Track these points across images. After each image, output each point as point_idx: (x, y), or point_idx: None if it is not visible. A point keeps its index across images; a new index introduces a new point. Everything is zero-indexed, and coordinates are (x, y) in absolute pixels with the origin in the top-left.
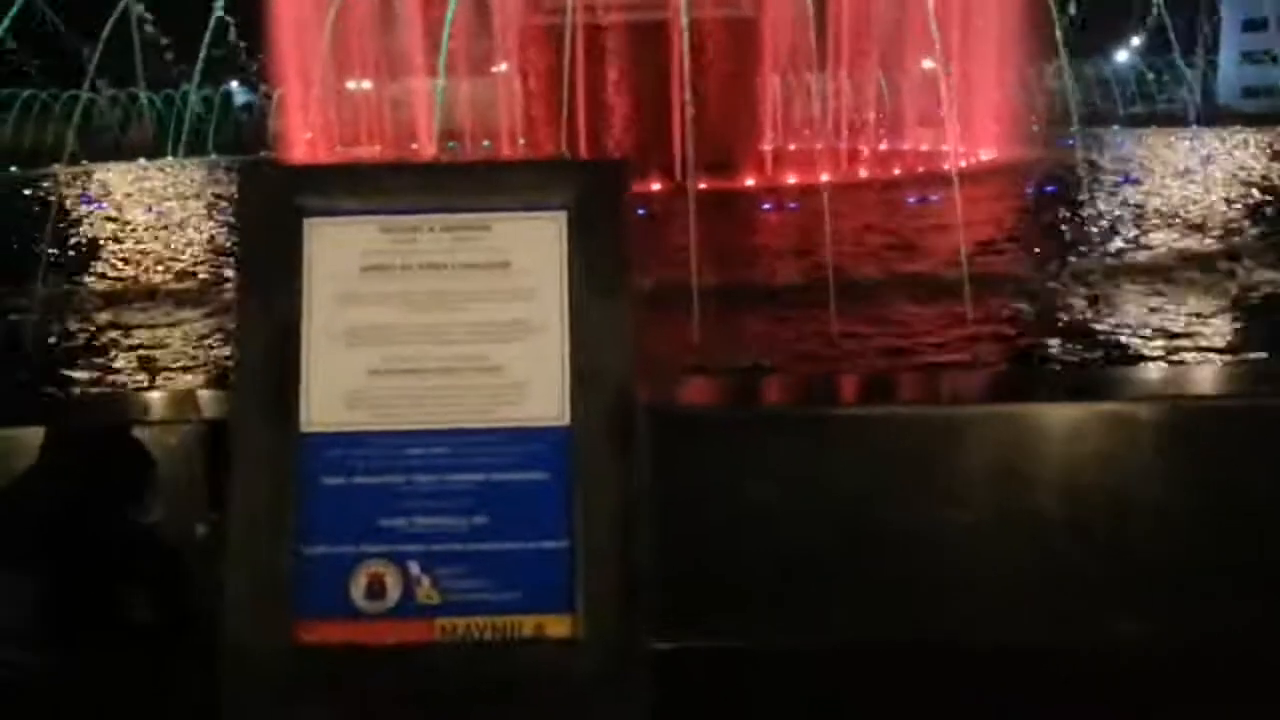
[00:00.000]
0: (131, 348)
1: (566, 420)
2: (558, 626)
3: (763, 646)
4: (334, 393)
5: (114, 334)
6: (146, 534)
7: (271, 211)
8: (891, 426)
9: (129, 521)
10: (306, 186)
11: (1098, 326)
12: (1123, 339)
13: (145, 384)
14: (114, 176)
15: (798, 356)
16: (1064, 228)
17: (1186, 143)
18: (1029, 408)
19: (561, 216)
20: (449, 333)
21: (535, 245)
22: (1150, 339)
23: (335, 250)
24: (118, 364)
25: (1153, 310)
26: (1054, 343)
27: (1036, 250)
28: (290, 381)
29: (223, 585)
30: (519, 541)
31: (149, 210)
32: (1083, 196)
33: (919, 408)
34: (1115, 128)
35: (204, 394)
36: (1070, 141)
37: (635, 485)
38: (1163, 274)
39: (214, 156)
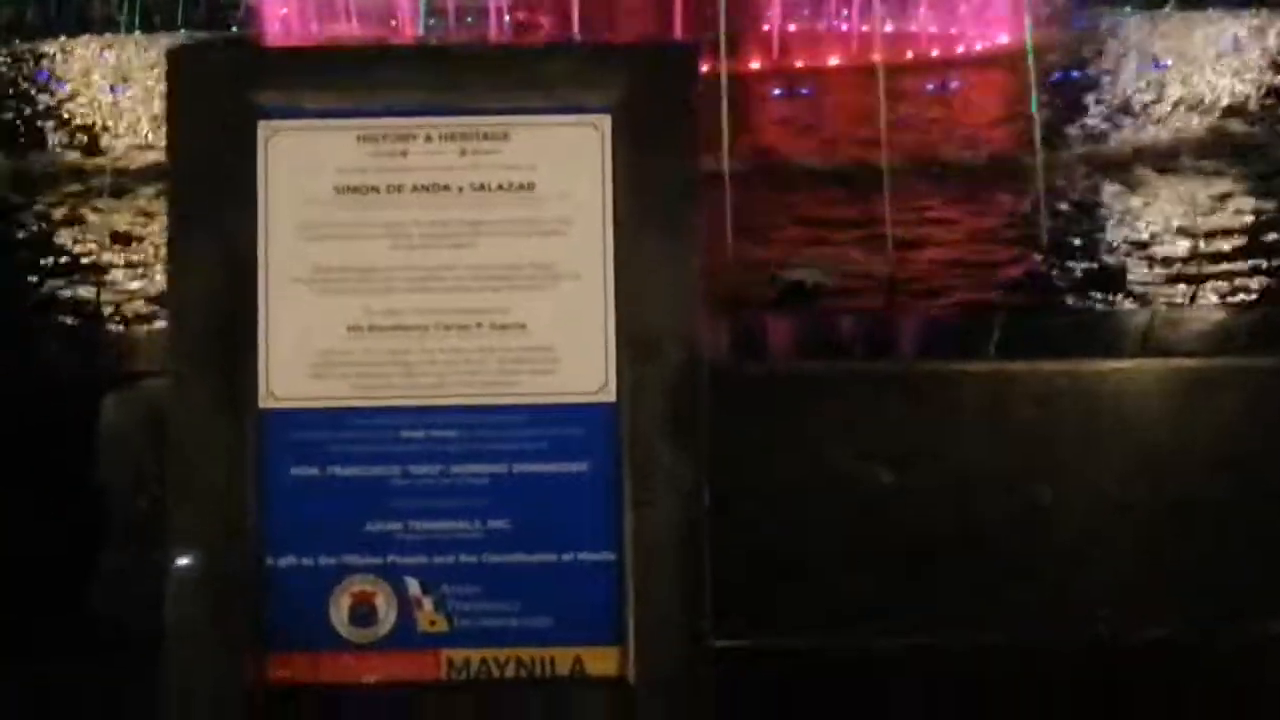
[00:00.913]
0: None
1: (610, 395)
2: (600, 662)
3: (847, 649)
4: (302, 356)
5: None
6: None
7: (216, 112)
8: (1031, 383)
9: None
10: (262, 77)
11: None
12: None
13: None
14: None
15: (853, 275)
16: (1097, 116)
17: (1210, 26)
18: (1209, 363)
19: (604, 121)
20: (453, 278)
21: (569, 160)
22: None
23: (302, 165)
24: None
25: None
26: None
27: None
28: (243, 341)
29: (162, 606)
30: (549, 552)
31: (110, 91)
32: (1119, 82)
33: (1068, 362)
34: (1128, 9)
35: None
36: (1086, 23)
37: (700, 478)
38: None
39: (184, 33)
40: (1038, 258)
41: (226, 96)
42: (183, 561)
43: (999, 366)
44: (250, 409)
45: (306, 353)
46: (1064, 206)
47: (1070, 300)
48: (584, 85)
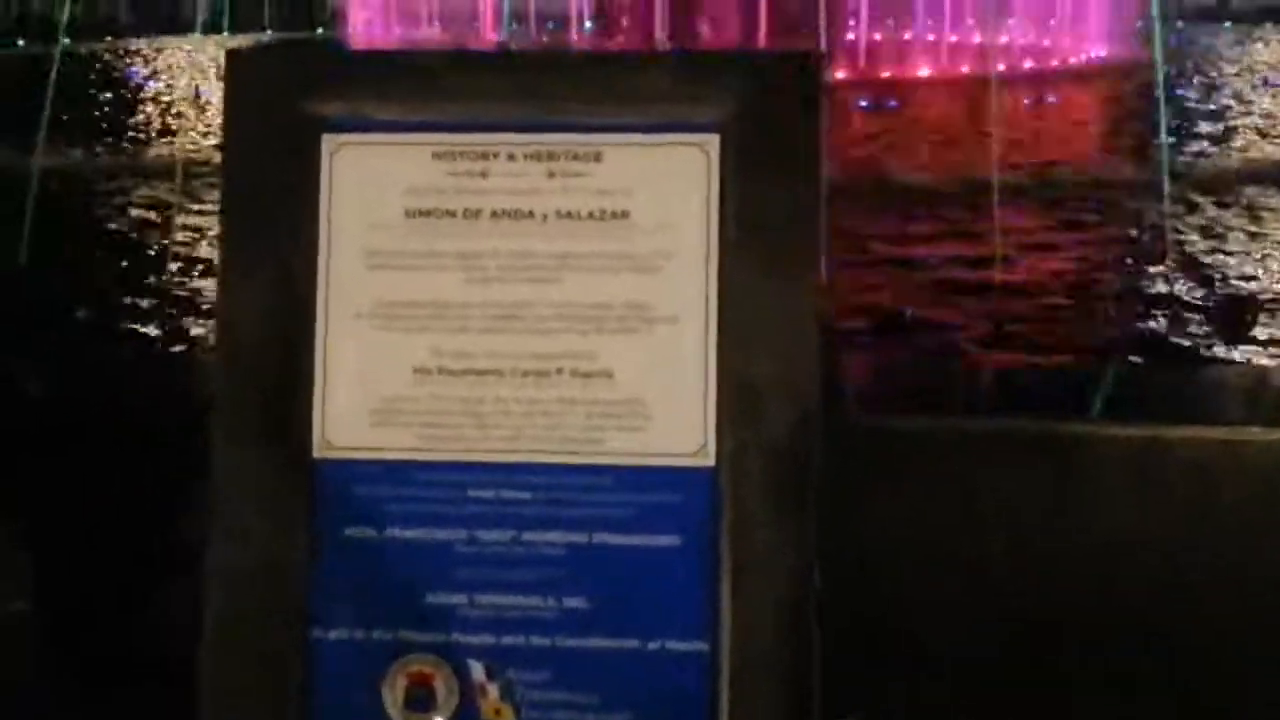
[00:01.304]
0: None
1: (709, 458)
2: None
3: None
4: (362, 401)
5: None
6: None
7: (275, 123)
8: (1183, 450)
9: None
10: (327, 85)
11: None
12: None
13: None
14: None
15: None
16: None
17: None
18: None
19: (712, 142)
20: (534, 317)
21: (670, 186)
22: None
23: (369, 184)
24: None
25: None
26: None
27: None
28: (298, 381)
29: (197, 681)
30: (633, 638)
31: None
32: (1222, 99)
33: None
34: (1226, 24)
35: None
36: (1181, 38)
37: (810, 557)
38: None
39: (269, 33)
40: (1162, 284)
41: (287, 106)
42: (219, 632)
43: (1151, 432)
44: (303, 458)
45: (367, 397)
46: (1189, 233)
47: (1211, 344)
48: (689, 100)
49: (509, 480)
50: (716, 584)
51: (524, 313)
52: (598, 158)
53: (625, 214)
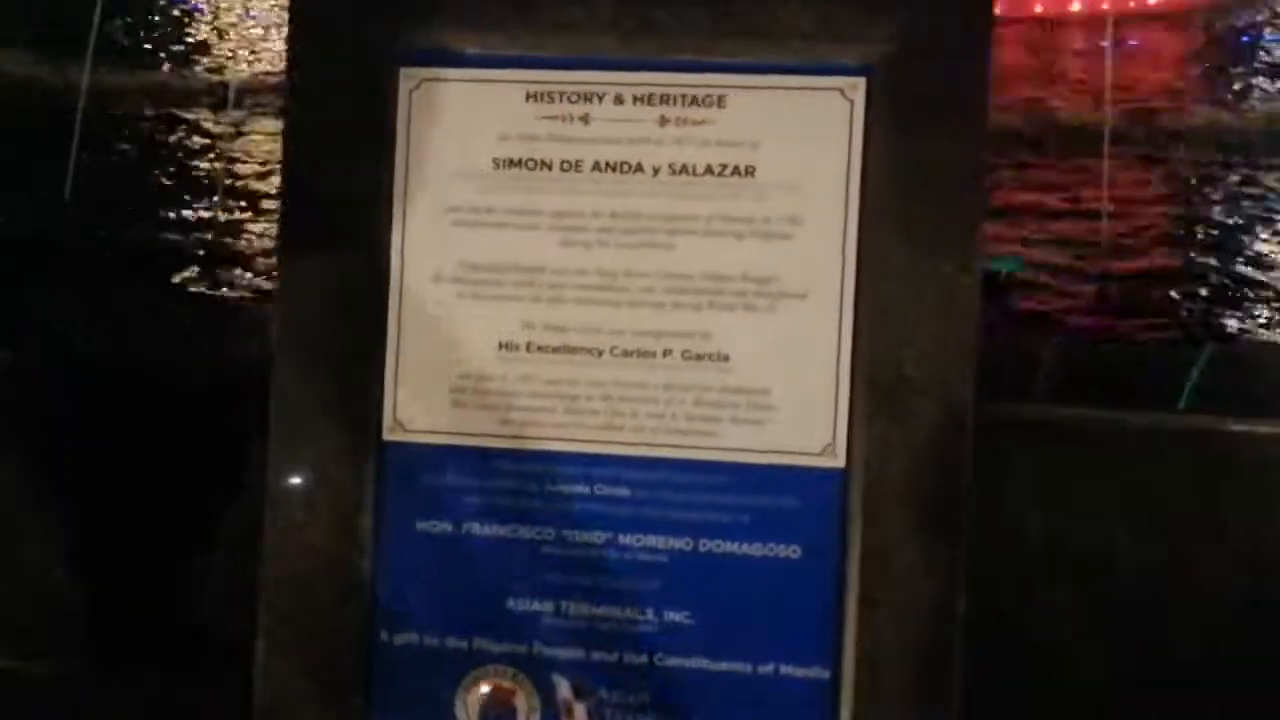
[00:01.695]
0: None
1: (838, 459)
2: None
3: None
4: (440, 378)
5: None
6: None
7: (347, 54)
8: None
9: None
10: (406, 12)
11: None
12: None
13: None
14: None
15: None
16: None
17: None
18: None
19: (858, 86)
20: (640, 289)
21: (805, 139)
22: None
23: (453, 127)
24: None
25: None
26: None
27: None
28: (368, 353)
29: (251, 682)
30: (742, 660)
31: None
32: None
33: None
34: None
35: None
36: None
37: (957, 577)
38: None
39: None
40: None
41: (359, 34)
42: (273, 635)
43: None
44: (372, 441)
45: (446, 374)
46: None
47: None
48: (832, 36)
49: (605, 474)
50: (841, 604)
51: (628, 283)
52: (720, 102)
53: (750, 170)
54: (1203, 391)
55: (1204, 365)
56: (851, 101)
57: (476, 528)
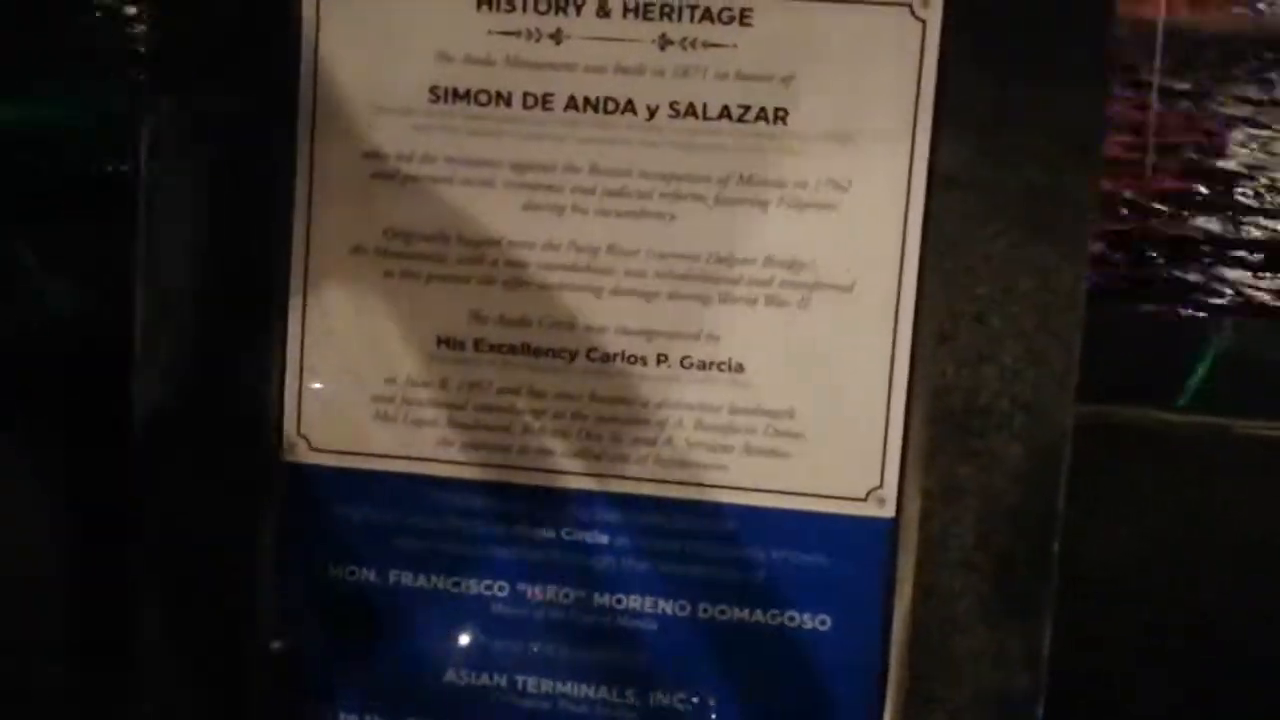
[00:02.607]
0: None
1: (887, 506)
2: None
3: None
4: (359, 381)
5: None
6: None
7: None
8: None
9: None
10: None
11: None
12: None
13: None
14: None
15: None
16: None
17: None
18: None
19: (932, 1)
20: (627, 272)
21: (856, 74)
22: None
23: (376, 45)
24: None
25: None
26: None
27: None
28: (260, 347)
29: None
30: None
31: None
32: None
33: None
34: None
35: None
36: None
37: (1040, 669)
38: None
39: None
40: None
41: None
42: (159, 678)
43: None
44: (267, 463)
45: (366, 378)
46: None
47: None
48: None
49: (576, 514)
50: (881, 697)
51: (612, 264)
52: (742, 18)
53: (781, 114)
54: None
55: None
56: (923, 22)
57: (407, 578)
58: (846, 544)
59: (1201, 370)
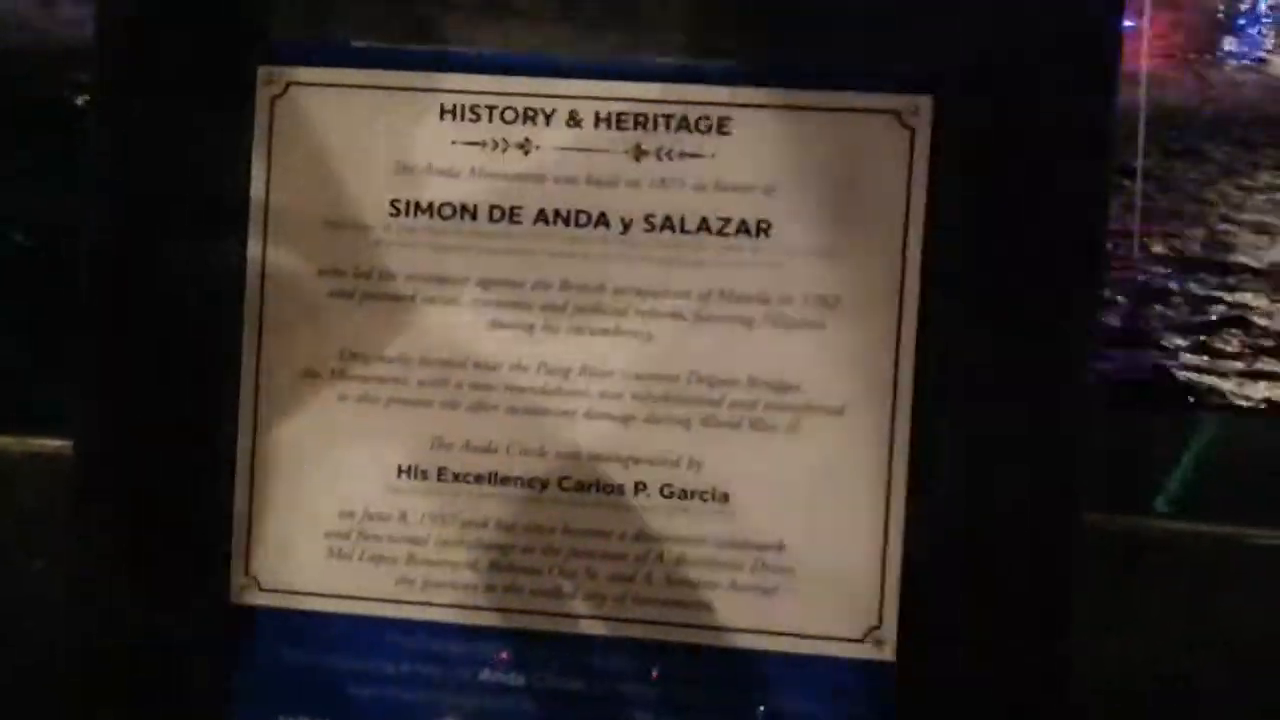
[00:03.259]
0: None
1: (888, 649)
2: None
3: None
4: (314, 516)
5: None
6: None
7: (168, 42)
8: None
9: None
10: None
11: None
12: None
13: None
14: None
15: None
16: None
17: None
18: None
19: (920, 109)
20: (602, 395)
21: (842, 184)
22: None
23: (331, 155)
24: None
25: None
26: None
27: None
28: (207, 481)
29: None
30: None
31: None
32: None
33: None
34: None
35: None
36: None
37: None
38: None
39: None
40: None
41: (203, 19)
42: None
43: None
44: (215, 606)
45: (320, 511)
46: None
47: None
48: (885, 34)
49: (548, 660)
50: None
51: (586, 386)
52: (721, 127)
53: (764, 227)
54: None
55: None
56: (912, 129)
57: None
58: (844, 690)
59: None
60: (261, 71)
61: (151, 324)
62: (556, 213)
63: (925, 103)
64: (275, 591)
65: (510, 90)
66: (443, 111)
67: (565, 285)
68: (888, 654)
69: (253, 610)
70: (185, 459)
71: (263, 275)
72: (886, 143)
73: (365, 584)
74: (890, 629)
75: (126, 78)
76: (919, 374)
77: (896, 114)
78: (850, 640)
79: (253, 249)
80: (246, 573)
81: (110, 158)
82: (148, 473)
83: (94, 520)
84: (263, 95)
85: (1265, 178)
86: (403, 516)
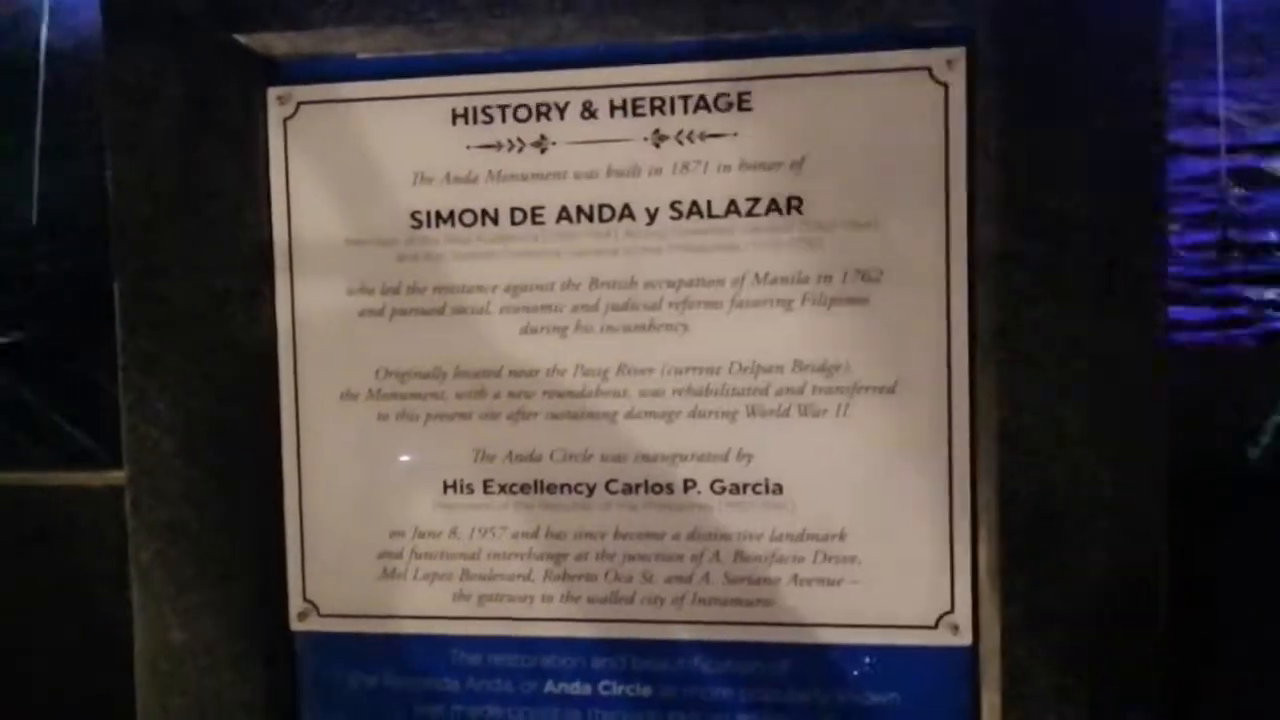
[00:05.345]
0: None
1: (963, 635)
2: None
3: None
4: (364, 540)
5: None
6: None
7: (191, 73)
8: None
9: None
10: (270, 6)
11: None
12: None
13: None
14: None
15: None
16: None
17: None
18: None
19: (953, 61)
20: (643, 392)
21: (875, 149)
22: None
23: (347, 170)
24: None
25: None
26: None
27: None
28: (258, 510)
29: None
30: None
31: None
32: None
33: None
34: None
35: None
36: None
37: None
38: None
39: None
40: None
41: (208, 45)
42: None
43: None
44: (274, 633)
45: (370, 534)
46: None
47: None
48: None
49: (609, 667)
50: None
51: (624, 385)
52: (741, 103)
53: (795, 204)
54: None
55: None
56: (945, 85)
57: None
58: (919, 679)
59: None
60: (272, 92)
61: (190, 360)
62: (579, 209)
63: (958, 55)
64: (334, 616)
65: (520, 87)
66: (454, 116)
67: (595, 283)
68: (963, 639)
69: (310, 635)
70: (234, 491)
71: (292, 301)
72: (919, 102)
73: (421, 603)
74: (964, 613)
75: (138, 113)
76: (973, 345)
77: (928, 70)
78: (923, 627)
79: (280, 276)
80: (304, 598)
81: (129, 197)
82: (199, 506)
83: (149, 553)
84: (275, 117)
85: None
86: (453, 532)
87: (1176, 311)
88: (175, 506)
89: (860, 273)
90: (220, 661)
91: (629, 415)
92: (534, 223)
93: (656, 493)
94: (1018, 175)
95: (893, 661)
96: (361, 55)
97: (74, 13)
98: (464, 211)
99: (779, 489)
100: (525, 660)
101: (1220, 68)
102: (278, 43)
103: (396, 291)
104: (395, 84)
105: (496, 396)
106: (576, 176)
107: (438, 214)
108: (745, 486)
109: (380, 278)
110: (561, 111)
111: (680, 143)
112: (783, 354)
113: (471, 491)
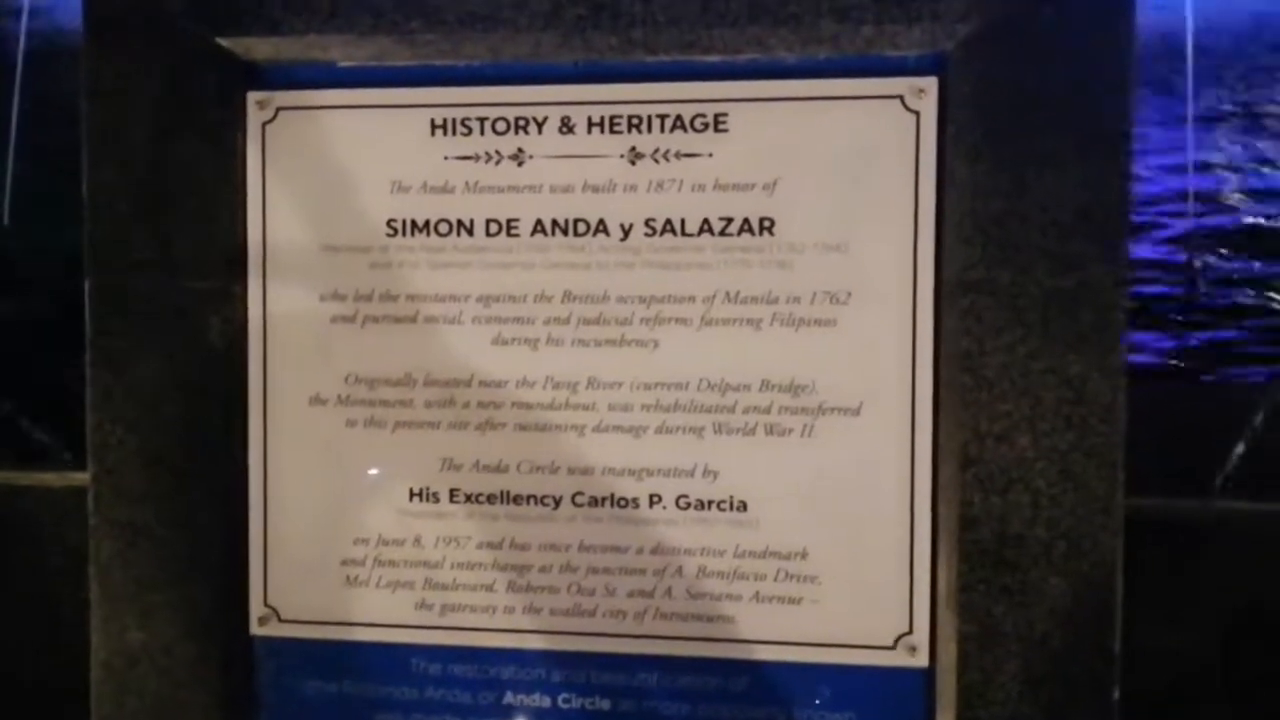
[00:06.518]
0: None
1: (920, 656)
2: None
3: None
4: (328, 545)
5: None
6: None
7: (171, 77)
8: None
9: None
10: (251, 11)
11: None
12: None
13: None
14: None
15: None
16: None
17: None
18: None
19: (925, 90)
20: (610, 406)
21: (846, 174)
22: None
23: (327, 176)
24: None
25: None
26: None
27: None
28: (221, 514)
29: None
30: None
31: None
32: None
33: None
34: None
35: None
36: None
37: None
38: None
39: None
40: None
41: (189, 48)
42: None
43: None
44: (234, 638)
45: (334, 540)
46: None
47: None
48: (885, 16)
49: (571, 680)
50: None
51: (593, 398)
52: (717, 124)
53: (766, 225)
54: None
55: None
56: (916, 114)
57: None
58: (876, 698)
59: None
60: (251, 97)
61: (160, 360)
62: (554, 222)
63: (930, 84)
64: (295, 622)
65: (500, 100)
66: (433, 126)
67: (567, 297)
68: (920, 660)
69: (271, 640)
70: (198, 492)
71: (264, 304)
72: (891, 129)
73: (383, 611)
74: (922, 634)
75: (116, 116)
76: (937, 369)
77: (899, 99)
78: (881, 648)
79: (253, 279)
80: (266, 603)
81: (106, 195)
82: (162, 506)
83: (109, 552)
84: (254, 121)
85: None
86: (417, 541)
87: (1140, 338)
88: (137, 506)
89: (829, 295)
90: (178, 663)
91: (597, 429)
92: (509, 235)
93: (622, 507)
94: (986, 204)
95: (850, 681)
96: (343, 63)
97: (52, 12)
98: (439, 221)
99: (743, 506)
100: (485, 671)
101: (1190, 89)
102: (259, 47)
103: (369, 299)
104: (375, 93)
105: (465, 406)
106: (552, 190)
107: (413, 223)
108: (710, 503)
109: (354, 284)
110: (540, 126)
111: (656, 161)
112: (751, 373)
113: (437, 500)
